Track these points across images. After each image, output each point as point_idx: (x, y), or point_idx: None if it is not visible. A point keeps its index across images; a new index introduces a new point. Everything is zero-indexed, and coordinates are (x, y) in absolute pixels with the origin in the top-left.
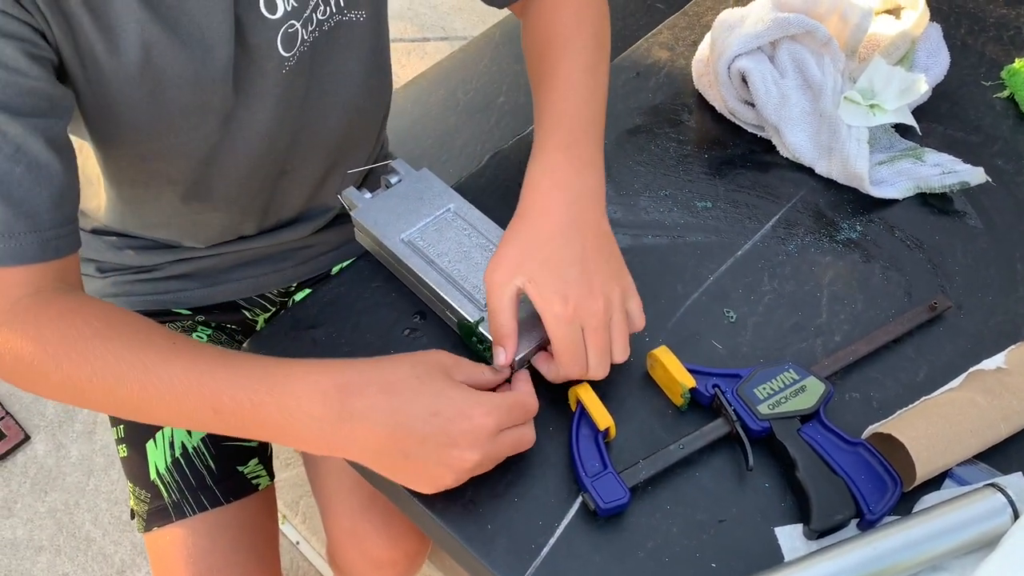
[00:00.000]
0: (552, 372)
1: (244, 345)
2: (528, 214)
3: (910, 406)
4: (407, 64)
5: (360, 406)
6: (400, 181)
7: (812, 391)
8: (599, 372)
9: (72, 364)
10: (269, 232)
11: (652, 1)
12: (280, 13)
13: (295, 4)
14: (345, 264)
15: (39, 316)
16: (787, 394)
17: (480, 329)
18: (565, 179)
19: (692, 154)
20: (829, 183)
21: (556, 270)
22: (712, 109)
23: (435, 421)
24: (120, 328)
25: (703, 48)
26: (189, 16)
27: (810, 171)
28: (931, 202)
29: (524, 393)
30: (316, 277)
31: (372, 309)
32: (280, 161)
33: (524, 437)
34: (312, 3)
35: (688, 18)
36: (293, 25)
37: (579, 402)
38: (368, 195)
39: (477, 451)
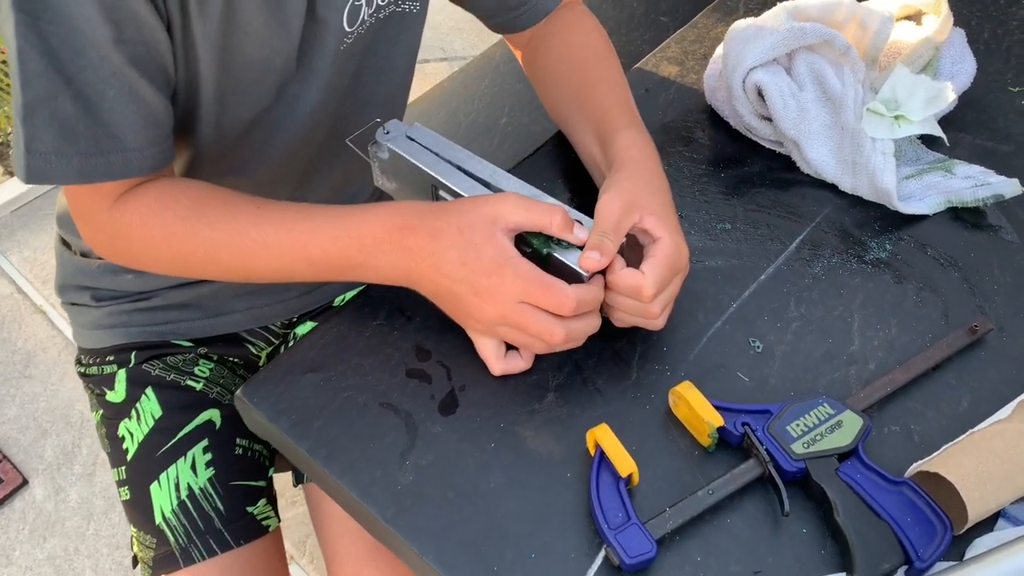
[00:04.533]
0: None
1: (238, 393)
2: (629, 168)
3: (956, 440)
4: None
5: (413, 245)
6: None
7: (849, 426)
8: (659, 311)
9: (178, 241)
10: None
11: (656, 15)
12: None
13: None
14: (350, 295)
15: (139, 207)
16: (822, 430)
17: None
18: (652, 152)
19: (708, 173)
20: (854, 200)
21: (672, 216)
22: (727, 125)
23: (463, 270)
24: (210, 202)
25: (715, 62)
26: None
27: (834, 188)
28: (963, 217)
29: (574, 288)
30: (319, 309)
31: (374, 349)
32: (311, 156)
33: (572, 330)
34: None
35: (697, 31)
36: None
37: (598, 446)
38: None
39: (495, 307)
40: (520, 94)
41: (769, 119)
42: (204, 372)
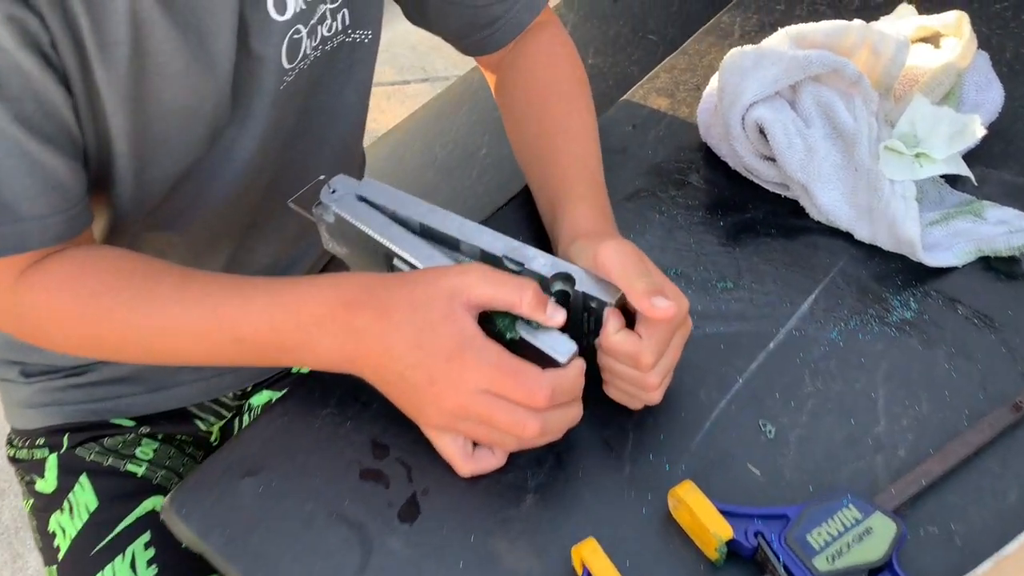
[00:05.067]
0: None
1: (164, 502)
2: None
3: (1009, 545)
4: (387, 109)
5: (360, 324)
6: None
7: (881, 533)
8: (662, 375)
9: (92, 321)
10: None
11: (644, 33)
12: (290, 14)
13: (303, 6)
14: None
15: (47, 283)
16: (849, 539)
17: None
18: (605, 227)
19: (704, 221)
20: (872, 250)
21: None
22: (725, 166)
23: (417, 354)
24: (127, 276)
25: (709, 95)
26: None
27: (848, 237)
28: (997, 268)
29: (549, 374)
30: (276, 376)
31: (323, 445)
32: (253, 206)
33: (548, 423)
34: (319, 11)
35: (688, 58)
36: (299, 31)
37: (584, 567)
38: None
39: (455, 397)
40: (500, 123)
41: (772, 159)
42: (147, 454)
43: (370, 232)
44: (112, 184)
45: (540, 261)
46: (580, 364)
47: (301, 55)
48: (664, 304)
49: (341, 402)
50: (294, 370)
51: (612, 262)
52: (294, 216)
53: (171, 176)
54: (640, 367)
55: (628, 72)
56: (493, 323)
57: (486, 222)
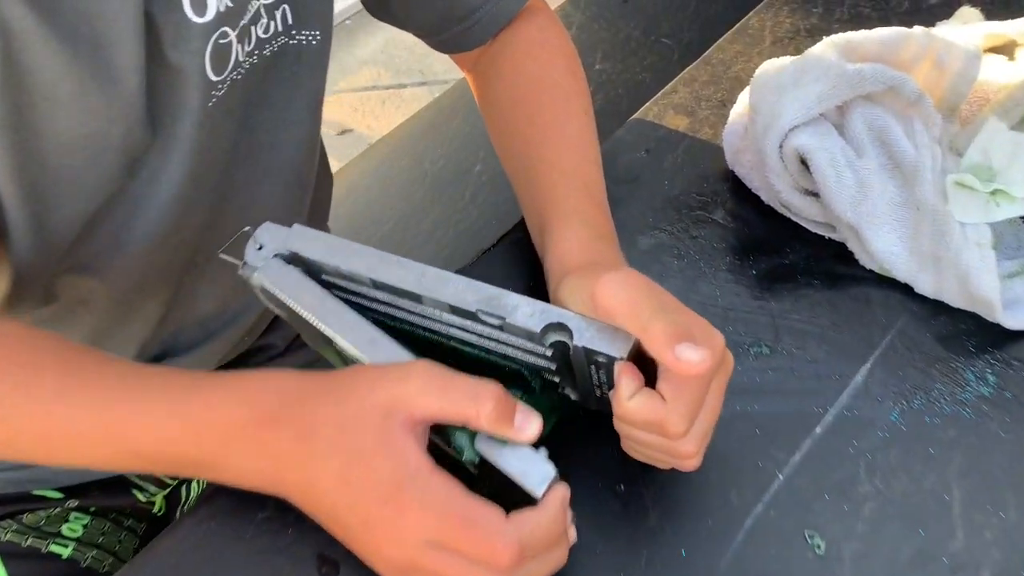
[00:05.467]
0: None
1: None
2: (603, 264)
3: None
4: (382, 115)
5: (275, 447)
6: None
7: None
8: (699, 441)
9: None
10: (159, 362)
11: (657, 36)
12: (212, 14)
13: (230, 4)
14: None
15: None
16: None
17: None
18: (605, 252)
19: (733, 268)
20: (937, 306)
21: (675, 312)
22: (756, 200)
23: (346, 492)
24: (8, 364)
25: (738, 112)
26: (70, 3)
27: (908, 290)
28: None
29: (516, 521)
30: None
31: (258, 561)
32: (189, 245)
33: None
34: (252, 9)
35: (711, 68)
36: (227, 35)
37: None
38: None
39: (397, 549)
40: None
41: (815, 195)
42: (75, 531)
43: (300, 310)
44: (3, 232)
45: (524, 310)
46: (562, 495)
47: (232, 64)
48: (694, 356)
49: (281, 506)
50: None
51: (617, 300)
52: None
53: (81, 217)
54: (668, 436)
55: (639, 79)
56: (448, 437)
57: (484, 255)
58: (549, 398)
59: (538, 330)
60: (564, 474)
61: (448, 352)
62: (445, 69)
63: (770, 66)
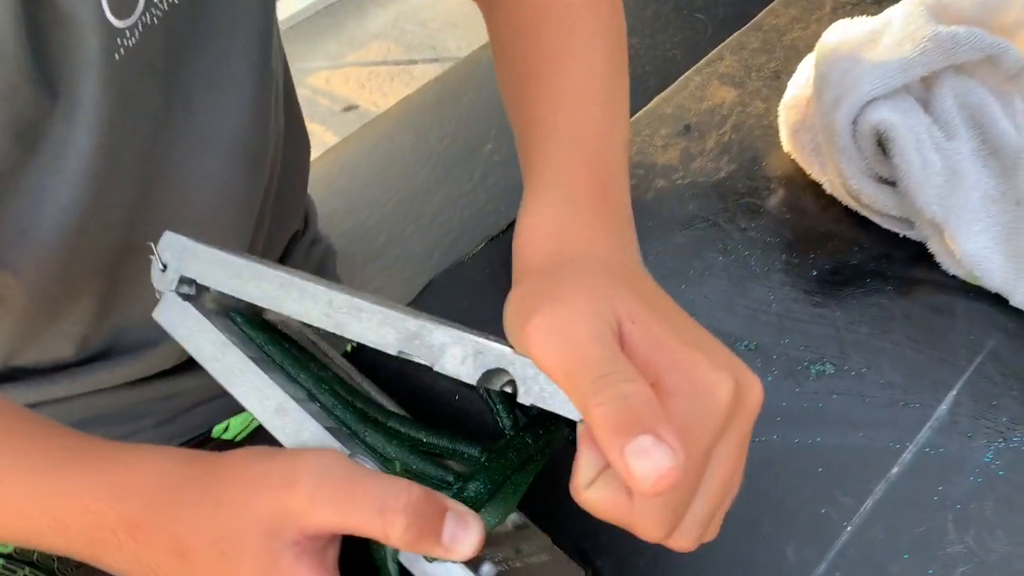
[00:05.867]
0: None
1: None
2: (572, 254)
3: None
4: (390, 91)
5: (150, 559)
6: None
7: None
8: (696, 532)
9: None
10: (103, 362)
11: (689, 11)
12: None
13: None
14: (235, 422)
15: None
16: None
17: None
18: (612, 230)
19: (789, 269)
20: None
21: (676, 316)
22: (816, 187)
23: None
24: None
25: (799, 83)
26: None
27: (1001, 302)
28: None
29: None
30: (190, 442)
31: None
32: (118, 231)
33: None
34: None
35: (762, 35)
36: None
37: None
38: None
39: None
40: None
41: (892, 183)
42: (6, 544)
43: (200, 361)
44: None
45: (454, 353)
46: None
47: (142, 5)
48: (648, 466)
49: None
50: (215, 433)
51: (549, 355)
52: (187, 234)
53: None
54: (644, 537)
55: (669, 56)
56: (369, 551)
57: (491, 242)
58: (517, 453)
59: (474, 381)
60: (580, 523)
61: None
62: (458, 46)
63: (843, 27)
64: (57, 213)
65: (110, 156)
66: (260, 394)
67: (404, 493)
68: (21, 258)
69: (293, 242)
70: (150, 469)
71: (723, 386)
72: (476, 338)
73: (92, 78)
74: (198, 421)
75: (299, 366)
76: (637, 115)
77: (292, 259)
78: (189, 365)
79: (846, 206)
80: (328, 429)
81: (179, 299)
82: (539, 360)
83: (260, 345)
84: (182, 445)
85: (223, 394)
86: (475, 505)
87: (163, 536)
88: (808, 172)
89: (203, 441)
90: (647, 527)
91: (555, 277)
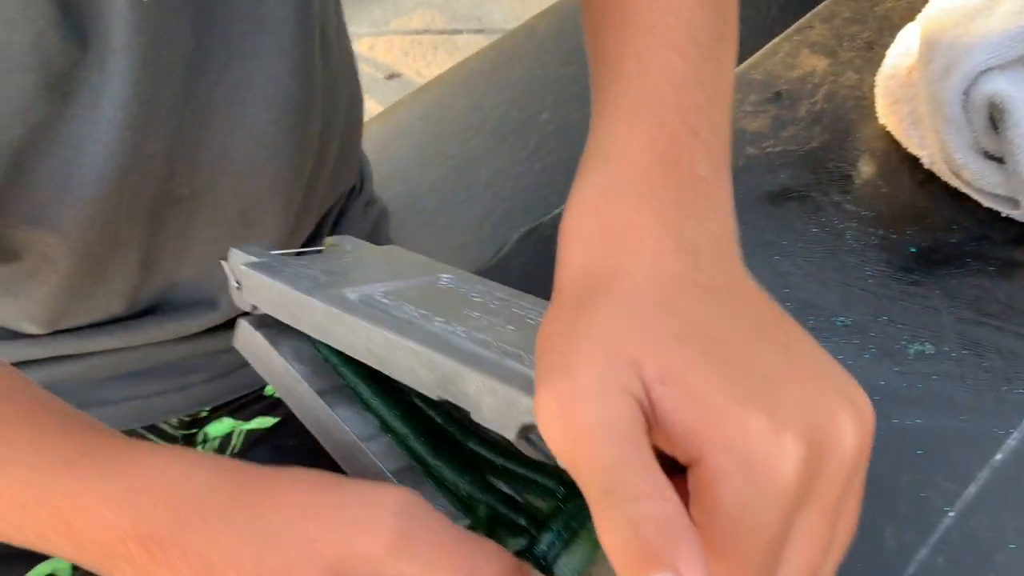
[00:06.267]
0: None
1: None
2: (608, 267)
3: None
4: (433, 60)
5: None
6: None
7: None
8: None
9: None
10: (155, 316)
11: None
12: None
13: None
14: None
15: None
16: None
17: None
18: (674, 219)
19: (886, 244)
20: None
21: (741, 349)
22: (914, 162)
23: None
24: None
25: (900, 52)
26: None
27: None
28: None
29: None
30: (241, 399)
31: None
32: (159, 177)
33: None
34: None
35: (854, 3)
36: None
37: None
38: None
39: None
40: (569, 80)
41: (999, 159)
42: None
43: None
44: None
45: (488, 404)
46: None
47: None
48: None
49: None
50: (268, 391)
51: (554, 437)
52: (235, 190)
53: (4, 152)
54: None
55: (766, 17)
56: None
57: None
58: None
59: (512, 437)
60: None
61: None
62: (504, 18)
63: None
64: (97, 165)
65: (146, 104)
66: (335, 428)
67: (495, 559)
68: (64, 215)
69: (349, 200)
70: (175, 476)
71: (786, 457)
72: (507, 388)
73: (121, 24)
74: (248, 379)
75: (372, 390)
76: None
77: (348, 218)
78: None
79: (943, 182)
80: (394, 473)
81: (249, 328)
82: (551, 447)
83: (335, 365)
84: (233, 401)
85: None
86: (550, 557)
87: (188, 557)
88: (905, 146)
89: (255, 399)
90: None
91: (581, 313)
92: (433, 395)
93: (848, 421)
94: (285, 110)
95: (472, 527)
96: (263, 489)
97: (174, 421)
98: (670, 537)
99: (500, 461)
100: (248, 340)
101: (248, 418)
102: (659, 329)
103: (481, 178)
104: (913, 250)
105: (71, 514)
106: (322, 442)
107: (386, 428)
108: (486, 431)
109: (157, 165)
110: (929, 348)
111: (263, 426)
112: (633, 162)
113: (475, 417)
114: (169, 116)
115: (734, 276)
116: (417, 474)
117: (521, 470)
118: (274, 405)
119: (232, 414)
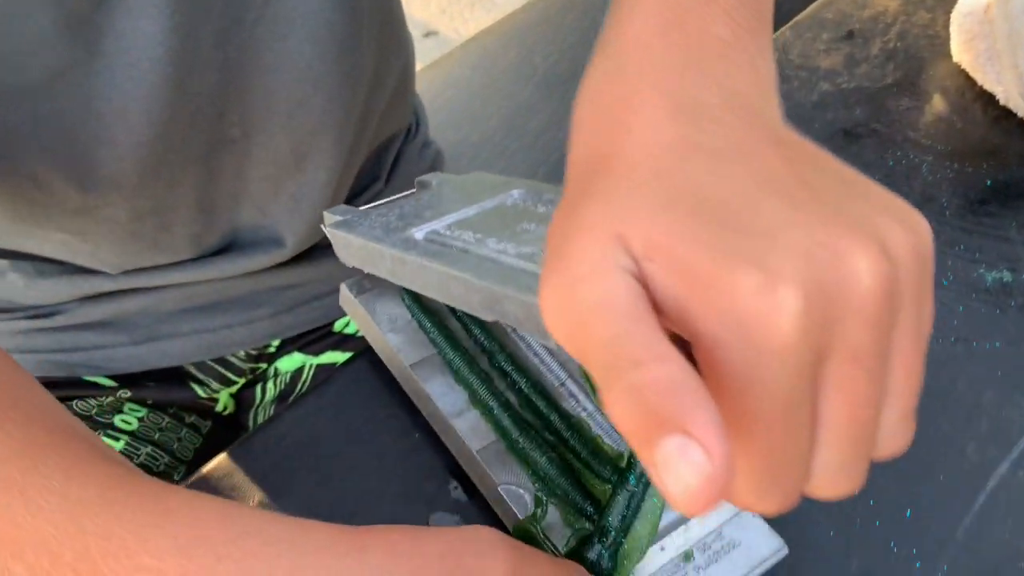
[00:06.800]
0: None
1: None
2: (606, 150)
3: None
4: (471, 18)
5: None
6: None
7: None
8: (842, 482)
9: None
10: (223, 256)
11: None
12: None
13: None
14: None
15: None
16: None
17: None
18: (675, 80)
19: (960, 177)
20: None
21: (727, 212)
22: (989, 99)
23: None
24: None
25: None
26: None
27: None
28: None
29: None
30: (308, 334)
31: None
32: (212, 118)
33: None
34: None
35: None
36: None
37: None
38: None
39: None
40: None
41: None
42: (129, 423)
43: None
44: None
45: (523, 316)
46: None
47: None
48: (677, 484)
49: (407, 406)
50: (337, 327)
51: (558, 331)
52: (285, 129)
53: (23, 92)
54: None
55: None
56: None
57: None
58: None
59: (554, 346)
60: None
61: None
62: None
63: None
64: (143, 107)
65: (185, 39)
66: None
67: None
68: (113, 167)
69: (406, 143)
70: (235, 523)
71: (782, 311)
72: (535, 298)
73: None
74: (316, 315)
75: (463, 358)
76: (797, 18)
77: (405, 159)
78: (310, 254)
79: (1020, 119)
80: (479, 452)
81: (348, 294)
82: (556, 339)
83: (427, 330)
84: (301, 336)
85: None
86: (615, 538)
87: None
88: (980, 83)
89: (325, 334)
90: (744, 493)
91: (576, 202)
92: (488, 318)
93: (862, 259)
94: (329, 43)
95: (543, 505)
96: (360, 540)
97: (241, 354)
98: (677, 401)
99: (572, 441)
100: (350, 304)
101: (318, 352)
102: (646, 201)
103: (532, 128)
104: (988, 183)
105: (106, 558)
106: (422, 411)
107: (475, 401)
108: (568, 407)
109: (204, 103)
110: (1007, 276)
111: (334, 361)
112: (633, 36)
113: (521, 331)
114: (212, 53)
115: (753, 129)
116: (502, 451)
117: (584, 450)
118: (344, 340)
119: (301, 349)
